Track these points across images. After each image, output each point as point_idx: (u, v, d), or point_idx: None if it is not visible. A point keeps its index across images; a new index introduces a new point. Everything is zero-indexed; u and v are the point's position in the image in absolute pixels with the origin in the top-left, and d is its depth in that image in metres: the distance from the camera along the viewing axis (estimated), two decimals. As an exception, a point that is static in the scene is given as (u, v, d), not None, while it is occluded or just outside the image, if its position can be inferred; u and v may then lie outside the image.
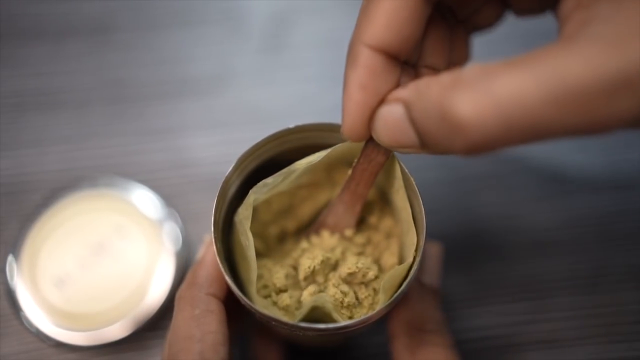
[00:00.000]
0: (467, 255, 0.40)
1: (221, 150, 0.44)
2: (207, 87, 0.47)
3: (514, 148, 0.21)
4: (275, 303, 0.29)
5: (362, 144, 0.27)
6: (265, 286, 0.30)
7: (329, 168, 0.30)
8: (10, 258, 0.40)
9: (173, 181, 0.43)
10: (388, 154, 0.27)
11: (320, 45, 0.48)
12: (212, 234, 0.27)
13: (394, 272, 0.27)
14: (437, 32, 0.27)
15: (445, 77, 0.21)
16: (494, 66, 0.20)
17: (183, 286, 0.29)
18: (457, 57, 0.29)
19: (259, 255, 0.31)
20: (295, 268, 0.30)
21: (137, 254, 0.40)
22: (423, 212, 0.27)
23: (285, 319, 0.26)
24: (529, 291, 0.39)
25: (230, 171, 0.28)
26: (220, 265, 0.26)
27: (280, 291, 0.30)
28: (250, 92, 0.47)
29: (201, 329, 0.27)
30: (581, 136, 0.20)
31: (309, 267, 0.28)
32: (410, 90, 0.22)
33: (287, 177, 0.29)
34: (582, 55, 0.18)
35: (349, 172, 0.28)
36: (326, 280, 0.28)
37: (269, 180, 0.28)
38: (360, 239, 0.31)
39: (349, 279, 0.29)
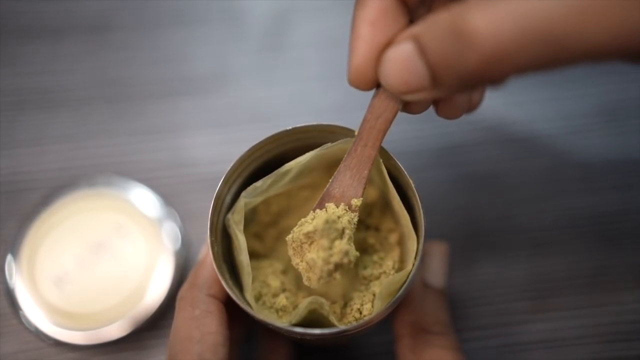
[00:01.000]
0: (467, 254, 0.40)
1: (221, 149, 0.44)
2: (206, 86, 0.47)
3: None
4: (272, 305, 0.29)
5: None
6: (263, 287, 0.30)
7: (329, 169, 0.30)
8: (9, 257, 0.40)
9: (172, 180, 0.43)
10: (397, 108, 0.25)
11: (319, 45, 0.48)
12: (209, 238, 0.27)
13: (393, 279, 0.27)
14: None
15: (455, 5, 0.20)
16: None
17: (184, 287, 0.29)
18: None
19: (259, 256, 0.31)
20: (293, 267, 0.30)
21: (136, 253, 0.40)
22: (422, 215, 0.27)
23: (279, 323, 0.26)
24: (529, 290, 0.39)
25: (228, 173, 0.28)
26: (216, 269, 0.26)
27: (278, 293, 0.30)
28: (250, 92, 0.47)
29: (201, 329, 0.27)
30: (600, 56, 0.19)
31: (314, 228, 0.26)
32: (419, 25, 0.21)
33: (280, 179, 0.29)
34: None
35: (355, 132, 0.27)
36: (332, 247, 0.26)
37: (259, 183, 0.28)
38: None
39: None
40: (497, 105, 0.44)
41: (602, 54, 0.19)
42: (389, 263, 0.30)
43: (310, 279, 0.26)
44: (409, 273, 0.26)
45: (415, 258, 0.27)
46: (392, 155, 0.28)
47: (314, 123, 0.28)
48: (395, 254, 0.30)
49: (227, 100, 0.46)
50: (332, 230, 0.26)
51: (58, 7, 0.49)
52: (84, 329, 0.38)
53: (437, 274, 0.33)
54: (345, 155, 0.27)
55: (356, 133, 0.27)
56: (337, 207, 0.27)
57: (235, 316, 0.29)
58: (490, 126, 0.44)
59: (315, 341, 0.32)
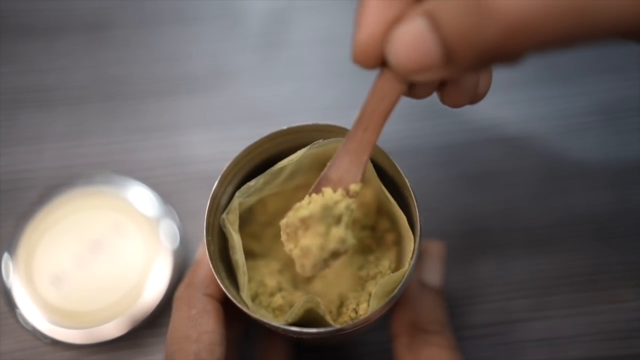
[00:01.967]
0: (465, 253, 0.40)
1: (219, 147, 0.44)
2: (204, 84, 0.47)
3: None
4: (268, 304, 0.29)
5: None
6: (259, 287, 0.30)
7: (324, 169, 0.30)
8: (6, 255, 0.40)
9: (170, 179, 0.43)
10: (401, 89, 0.24)
11: (317, 43, 0.48)
12: (205, 238, 0.27)
13: (389, 278, 0.26)
14: None
15: None
16: None
17: (181, 286, 0.29)
18: None
19: (255, 256, 0.31)
20: (289, 266, 0.30)
21: (134, 252, 0.40)
22: (418, 214, 0.27)
23: (275, 322, 0.26)
24: (526, 289, 0.39)
25: (223, 173, 0.28)
26: (212, 269, 0.26)
27: (274, 292, 0.29)
28: (248, 90, 0.46)
29: (197, 329, 0.27)
30: (625, 33, 0.18)
31: (310, 213, 0.25)
32: (431, 0, 0.20)
33: (274, 178, 0.29)
34: None
35: (357, 114, 0.25)
36: (328, 233, 0.25)
37: (252, 182, 0.28)
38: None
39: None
40: (494, 103, 0.44)
41: (627, 29, 0.18)
42: (386, 263, 0.30)
43: (304, 266, 0.25)
44: (405, 273, 0.26)
45: (411, 258, 0.27)
46: (388, 154, 0.28)
47: (310, 123, 0.28)
48: (391, 253, 0.30)
49: (225, 99, 0.46)
50: (328, 217, 0.25)
51: (56, 5, 0.49)
52: (82, 327, 0.38)
53: (434, 273, 0.33)
54: (345, 139, 0.26)
55: (356, 116, 0.25)
56: (335, 192, 0.26)
57: (232, 316, 0.29)
58: (487, 125, 0.44)
59: (311, 340, 0.32)
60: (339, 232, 0.24)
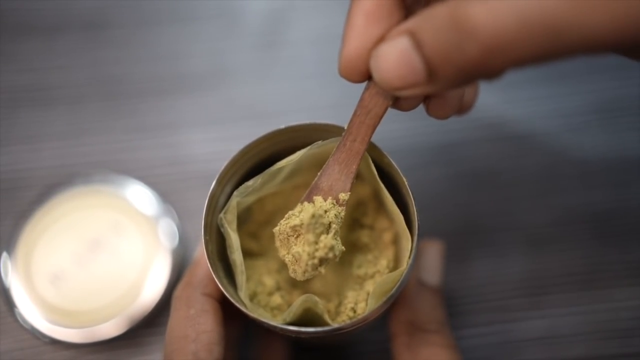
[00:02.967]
0: (463, 252, 0.40)
1: (218, 146, 0.44)
2: (202, 83, 0.47)
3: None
4: (267, 304, 0.29)
5: None
6: (258, 286, 0.30)
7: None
8: (4, 255, 0.40)
9: (169, 178, 0.43)
10: (387, 104, 0.25)
11: (315, 42, 0.48)
12: (203, 237, 0.27)
13: (386, 278, 0.27)
14: None
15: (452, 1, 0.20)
16: None
17: (179, 286, 0.29)
18: None
19: (254, 255, 0.31)
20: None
21: (132, 251, 0.40)
22: (416, 213, 0.27)
23: (273, 321, 0.26)
24: (524, 287, 0.39)
25: (221, 172, 0.28)
26: (210, 269, 0.26)
27: (272, 292, 0.30)
28: (246, 89, 0.46)
29: (196, 328, 0.27)
30: (599, 48, 0.19)
31: (300, 221, 0.26)
32: (415, 19, 0.21)
33: (272, 178, 0.29)
34: None
35: (345, 126, 0.27)
36: (318, 241, 0.26)
37: (250, 182, 0.28)
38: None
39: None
40: (493, 102, 0.44)
41: (601, 45, 0.19)
42: (383, 262, 0.30)
43: (296, 271, 0.27)
44: (403, 272, 0.26)
45: (409, 257, 0.27)
46: (385, 153, 0.28)
47: (308, 122, 0.28)
48: (389, 253, 0.30)
49: (224, 98, 0.46)
50: (318, 225, 0.26)
51: (54, 4, 0.49)
52: (80, 326, 0.38)
53: (432, 272, 0.33)
54: (335, 149, 0.27)
55: (346, 127, 0.27)
56: (325, 201, 0.27)
57: (231, 315, 0.29)
58: (485, 124, 0.44)
59: (310, 340, 0.32)
60: (327, 240, 0.26)
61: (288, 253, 0.27)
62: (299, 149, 0.28)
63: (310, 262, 0.26)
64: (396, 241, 0.31)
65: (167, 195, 0.42)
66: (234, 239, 0.28)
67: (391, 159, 0.28)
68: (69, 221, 0.41)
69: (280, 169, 0.29)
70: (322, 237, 0.26)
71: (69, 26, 0.49)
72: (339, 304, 0.30)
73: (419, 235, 0.27)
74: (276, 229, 0.27)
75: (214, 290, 0.29)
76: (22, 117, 0.45)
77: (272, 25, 0.49)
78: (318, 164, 0.29)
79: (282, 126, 0.28)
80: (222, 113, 0.45)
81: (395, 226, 0.30)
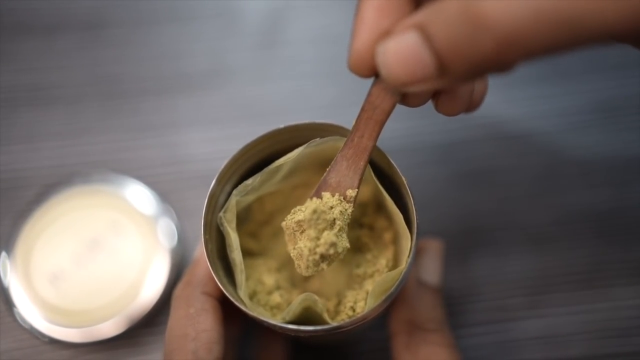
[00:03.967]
0: (463, 251, 0.40)
1: (217, 146, 0.44)
2: (202, 83, 0.47)
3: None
4: (266, 303, 0.29)
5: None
6: (257, 285, 0.30)
7: (321, 168, 0.30)
8: (3, 254, 0.40)
9: (168, 177, 0.43)
10: (394, 99, 0.25)
11: (316, 42, 0.48)
12: (202, 237, 0.27)
13: (386, 277, 0.27)
14: None
15: None
16: None
17: (179, 285, 0.29)
18: None
19: (254, 254, 0.31)
20: (287, 265, 0.30)
21: (132, 251, 0.40)
22: (415, 213, 0.27)
23: (273, 320, 0.26)
24: (524, 287, 0.39)
25: (221, 172, 0.28)
26: (210, 267, 0.26)
27: (272, 291, 0.29)
28: (246, 88, 0.46)
29: (195, 327, 0.27)
30: (614, 38, 0.18)
31: (304, 217, 0.26)
32: (423, 13, 0.21)
33: (272, 177, 0.29)
34: None
35: (345, 125, 0.27)
36: (319, 237, 0.26)
37: (249, 181, 0.28)
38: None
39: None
40: (493, 102, 0.44)
41: (615, 35, 0.19)
42: (383, 261, 0.30)
43: (300, 266, 0.27)
44: (402, 271, 0.26)
45: (408, 256, 0.27)
46: (385, 153, 0.28)
47: (307, 121, 0.28)
48: (389, 252, 0.30)
49: (223, 97, 0.46)
50: (320, 221, 0.26)
51: (52, 3, 0.49)
52: (79, 326, 0.38)
53: (432, 272, 0.33)
54: (343, 145, 0.27)
55: (354, 122, 0.26)
56: (333, 197, 0.27)
57: (231, 314, 0.29)
58: (485, 123, 0.44)
59: (309, 338, 0.32)
60: (329, 236, 0.25)
61: (294, 248, 0.27)
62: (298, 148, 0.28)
63: (311, 258, 0.26)
64: (395, 241, 0.31)
65: (166, 194, 0.42)
66: (233, 238, 0.28)
67: (390, 159, 0.28)
68: (68, 221, 0.41)
69: (278, 167, 0.29)
70: (325, 233, 0.26)
71: (69, 26, 0.49)
72: (339, 303, 0.30)
73: (418, 234, 0.27)
74: (284, 223, 0.27)
75: (214, 289, 0.29)
76: (22, 117, 0.45)
77: (272, 24, 0.49)
78: (317, 162, 0.29)
79: (282, 125, 0.28)
80: (221, 112, 0.45)
81: (394, 226, 0.30)
